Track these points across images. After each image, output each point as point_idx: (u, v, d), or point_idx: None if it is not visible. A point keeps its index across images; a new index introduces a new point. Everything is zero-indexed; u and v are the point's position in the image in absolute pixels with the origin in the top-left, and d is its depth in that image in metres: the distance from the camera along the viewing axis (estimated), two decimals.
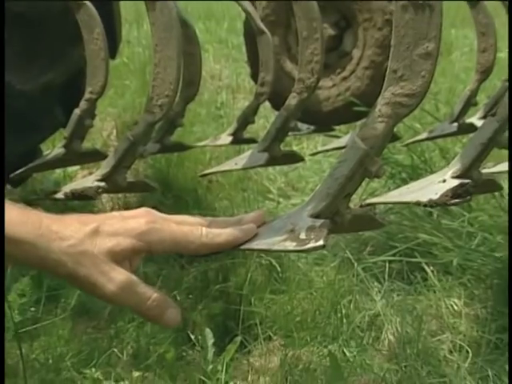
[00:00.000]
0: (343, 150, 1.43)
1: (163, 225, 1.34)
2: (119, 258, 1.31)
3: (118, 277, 1.29)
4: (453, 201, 1.81)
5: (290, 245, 1.33)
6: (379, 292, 3.74)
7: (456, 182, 1.79)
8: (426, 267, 3.92)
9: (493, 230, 4.04)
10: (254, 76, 3.72)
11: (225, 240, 1.34)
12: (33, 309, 3.19)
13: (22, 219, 1.31)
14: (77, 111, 2.93)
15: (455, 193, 1.77)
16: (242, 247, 1.35)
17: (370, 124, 1.39)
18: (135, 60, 6.64)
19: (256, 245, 1.36)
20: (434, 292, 3.81)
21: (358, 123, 3.89)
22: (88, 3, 2.79)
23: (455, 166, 1.84)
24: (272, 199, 4.76)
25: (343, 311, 3.57)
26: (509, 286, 3.45)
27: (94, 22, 2.78)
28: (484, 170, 1.95)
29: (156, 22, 2.17)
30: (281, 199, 4.79)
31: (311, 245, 1.32)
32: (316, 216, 1.35)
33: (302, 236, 1.32)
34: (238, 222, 1.38)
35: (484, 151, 1.85)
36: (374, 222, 1.51)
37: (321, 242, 1.33)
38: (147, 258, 1.44)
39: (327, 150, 4.48)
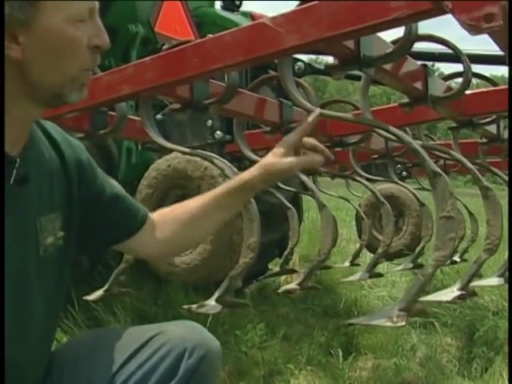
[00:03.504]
0: (412, 277, 1.35)
1: None
2: None
3: None
4: (457, 300, 1.73)
5: (389, 323, 1.23)
6: (415, 338, 3.44)
7: (459, 292, 1.70)
8: (435, 324, 3.63)
9: (464, 306, 3.76)
10: (359, 236, 3.64)
11: None
12: None
13: None
14: (285, 252, 2.89)
15: (459, 297, 1.69)
16: (364, 323, 1.26)
17: (426, 268, 1.29)
18: (308, 225, 6.58)
19: (372, 322, 1.26)
20: (439, 335, 3.53)
21: (405, 258, 3.72)
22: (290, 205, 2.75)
23: (458, 285, 1.73)
24: (366, 289, 4.56)
25: (398, 343, 3.33)
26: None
27: (293, 213, 2.70)
28: (470, 285, 1.83)
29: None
30: (369, 290, 4.59)
31: (399, 324, 1.22)
32: (401, 310, 1.25)
33: (394, 319, 1.23)
34: None
35: (471, 278, 1.76)
36: (425, 311, 1.40)
37: (403, 323, 1.23)
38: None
39: (391, 271, 4.31)
